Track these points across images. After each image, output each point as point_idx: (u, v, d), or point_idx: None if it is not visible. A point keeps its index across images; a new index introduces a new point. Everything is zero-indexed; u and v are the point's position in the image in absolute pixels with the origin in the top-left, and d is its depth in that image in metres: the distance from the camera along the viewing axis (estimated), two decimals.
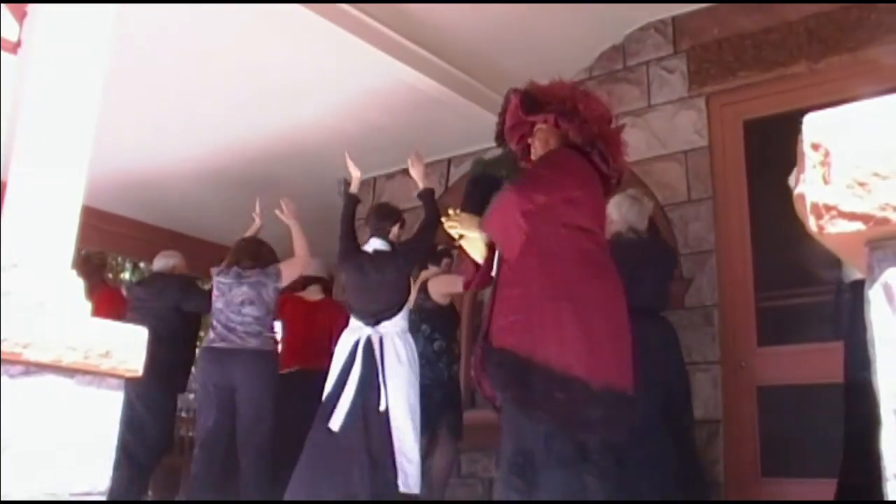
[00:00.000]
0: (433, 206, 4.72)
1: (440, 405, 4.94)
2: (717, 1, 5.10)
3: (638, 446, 3.36)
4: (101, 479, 1.62)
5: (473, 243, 3.34)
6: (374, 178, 7.11)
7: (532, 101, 3.37)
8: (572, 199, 3.16)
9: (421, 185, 4.79)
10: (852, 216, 0.82)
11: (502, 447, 3.11)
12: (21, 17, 1.84)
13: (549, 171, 3.26)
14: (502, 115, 3.53)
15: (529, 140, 3.47)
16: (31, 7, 1.84)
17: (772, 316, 4.72)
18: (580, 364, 2.93)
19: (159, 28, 4.77)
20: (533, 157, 3.46)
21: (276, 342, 5.32)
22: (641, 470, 3.55)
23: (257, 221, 5.51)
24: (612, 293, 3.15)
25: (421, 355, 4.77)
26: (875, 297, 0.83)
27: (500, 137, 3.63)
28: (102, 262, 6.89)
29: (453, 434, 5.04)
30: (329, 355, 4.67)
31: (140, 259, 10.58)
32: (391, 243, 4.74)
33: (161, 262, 6.06)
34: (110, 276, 6.97)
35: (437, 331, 5.16)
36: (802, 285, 4.49)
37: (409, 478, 4.23)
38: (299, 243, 5.35)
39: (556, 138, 3.38)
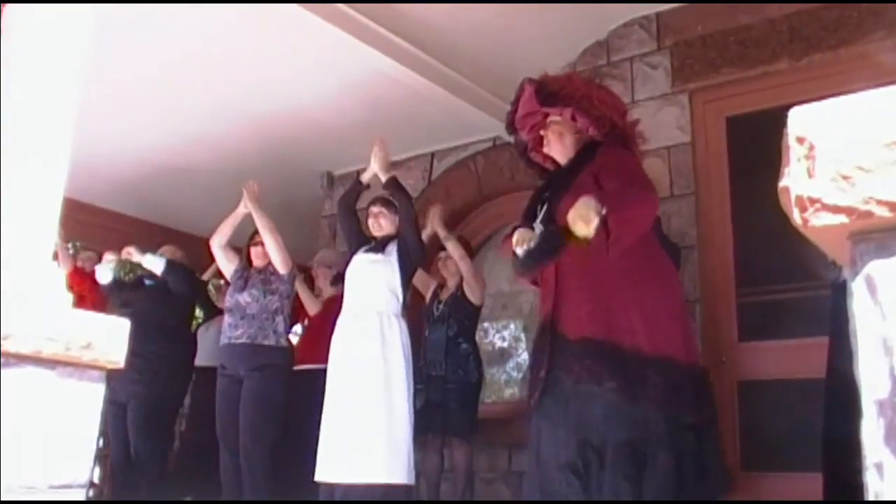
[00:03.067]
0: (406, 193, 4.68)
1: (461, 405, 4.98)
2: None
3: None
4: (81, 472, 1.62)
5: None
6: (357, 172, 7.08)
7: (547, 93, 3.38)
8: None
9: (383, 176, 4.67)
10: (836, 209, 0.83)
11: (552, 442, 3.08)
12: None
13: (642, 173, 3.35)
14: (515, 103, 3.52)
15: (542, 132, 3.45)
16: (6, 6, 1.83)
17: (753, 311, 4.74)
18: (670, 345, 3.04)
19: (138, 19, 4.74)
20: (546, 149, 3.45)
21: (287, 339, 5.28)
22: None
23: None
24: (674, 274, 3.32)
25: (445, 356, 4.82)
26: (857, 289, 0.83)
27: (511, 126, 3.64)
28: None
29: (473, 431, 5.09)
30: None
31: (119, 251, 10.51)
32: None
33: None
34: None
35: (463, 333, 5.19)
36: (784, 281, 4.52)
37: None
38: (269, 239, 5.08)
39: (571, 132, 3.43)
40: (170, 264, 5.62)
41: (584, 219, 2.82)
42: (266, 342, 4.97)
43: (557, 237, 3.02)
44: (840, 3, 4.61)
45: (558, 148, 3.45)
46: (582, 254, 3.03)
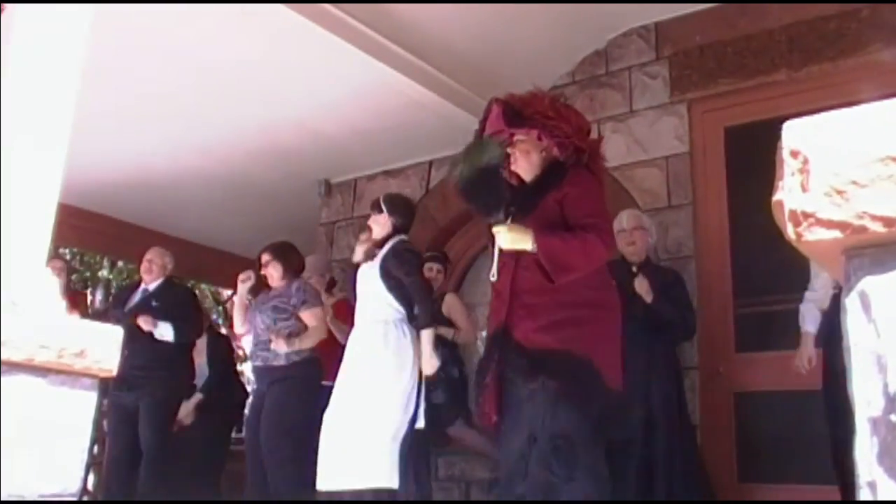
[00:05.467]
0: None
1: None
2: (703, 1, 5.10)
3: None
4: (72, 481, 1.60)
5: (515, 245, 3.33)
6: (355, 180, 7.11)
7: (514, 113, 3.42)
8: None
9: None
10: (830, 224, 0.82)
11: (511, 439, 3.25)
12: None
13: (603, 207, 3.46)
14: (483, 122, 3.56)
15: (509, 149, 3.49)
16: (6, 6, 1.82)
17: (750, 322, 4.74)
18: (612, 369, 3.24)
19: (138, 25, 4.74)
20: (514, 166, 3.50)
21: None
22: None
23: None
24: (617, 301, 3.44)
25: (440, 380, 4.81)
26: (851, 305, 0.83)
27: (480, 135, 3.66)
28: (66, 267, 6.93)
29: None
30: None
31: (117, 257, 10.51)
32: None
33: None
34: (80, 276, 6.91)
35: (456, 359, 5.27)
36: (781, 292, 4.51)
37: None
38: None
39: (537, 150, 3.48)
40: (178, 330, 5.65)
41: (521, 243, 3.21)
42: (276, 363, 4.98)
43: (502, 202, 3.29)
44: (838, 1, 4.60)
45: (524, 166, 3.50)
46: (538, 274, 3.23)
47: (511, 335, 3.29)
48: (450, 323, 5.29)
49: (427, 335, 4.30)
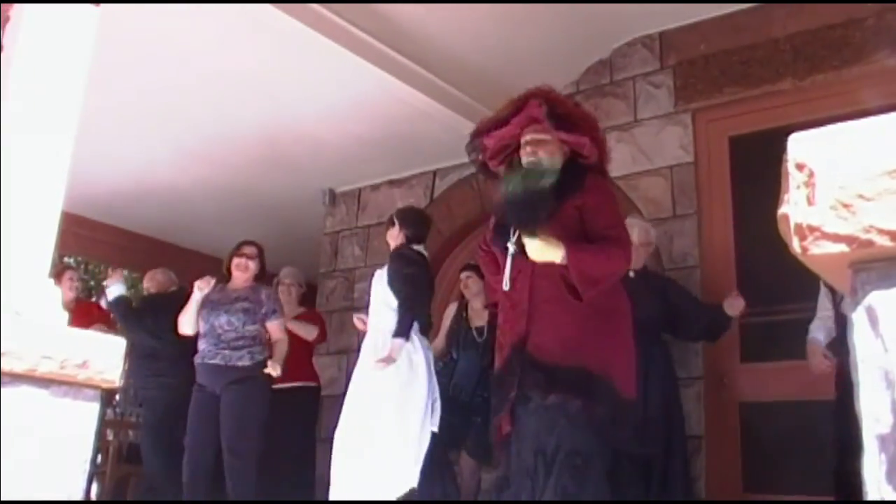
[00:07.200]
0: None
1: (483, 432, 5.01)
2: (714, 1, 5.07)
3: None
4: (74, 492, 1.60)
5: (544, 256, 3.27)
6: (359, 190, 7.11)
7: (559, 115, 3.38)
8: None
9: None
10: (836, 237, 0.81)
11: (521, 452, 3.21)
12: (4, 22, 1.83)
13: (621, 217, 3.54)
14: (514, 110, 3.46)
15: (524, 140, 3.42)
16: (13, 11, 1.82)
17: (755, 332, 4.72)
18: (627, 380, 3.23)
19: (140, 34, 4.75)
20: (532, 156, 3.39)
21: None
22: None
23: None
24: (629, 312, 3.40)
25: (476, 385, 4.86)
26: (858, 320, 0.82)
27: (498, 126, 3.54)
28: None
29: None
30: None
31: (121, 267, 10.51)
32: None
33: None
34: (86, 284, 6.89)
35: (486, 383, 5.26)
36: (786, 302, 4.50)
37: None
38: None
39: (560, 152, 3.41)
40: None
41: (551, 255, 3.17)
42: (240, 363, 4.97)
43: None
44: (848, 1, 4.59)
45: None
46: (557, 283, 3.20)
47: (528, 348, 3.23)
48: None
49: (396, 343, 4.38)
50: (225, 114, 5.86)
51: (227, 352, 4.96)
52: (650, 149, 5.24)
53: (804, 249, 0.83)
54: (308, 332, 5.81)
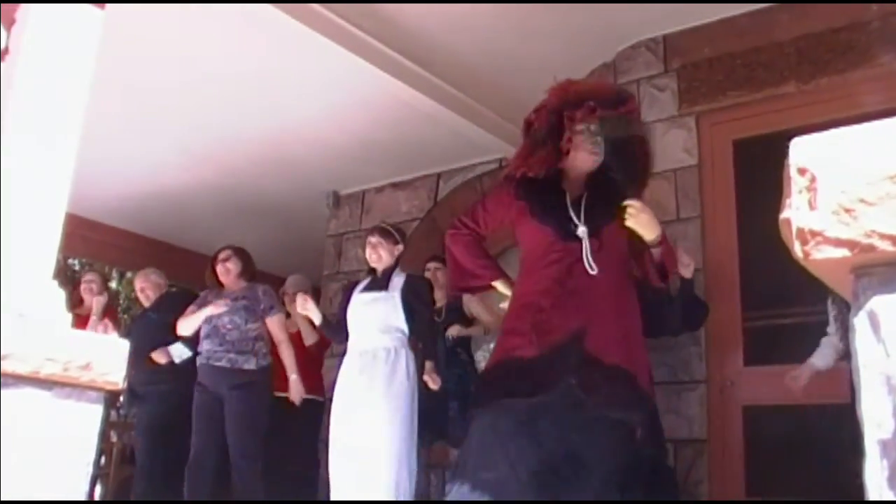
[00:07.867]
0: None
1: (460, 414, 5.00)
2: (721, 1, 5.05)
3: None
4: (77, 494, 1.60)
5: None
6: (363, 192, 7.11)
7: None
8: None
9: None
10: (838, 242, 0.81)
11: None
12: (9, 25, 1.83)
13: None
14: (617, 105, 3.32)
15: (586, 140, 3.28)
16: (19, 13, 1.83)
17: (759, 335, 4.71)
18: (649, 378, 3.22)
19: (144, 36, 4.76)
20: (593, 157, 3.29)
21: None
22: None
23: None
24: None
25: (445, 367, 4.85)
26: (860, 325, 0.82)
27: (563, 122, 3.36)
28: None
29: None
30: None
31: (126, 268, 10.53)
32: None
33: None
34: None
35: (461, 343, 5.27)
36: (790, 305, 4.49)
37: None
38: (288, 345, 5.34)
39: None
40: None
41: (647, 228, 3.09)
42: (246, 366, 5.00)
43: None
44: (852, 1, 4.58)
45: (596, 160, 3.31)
46: (616, 279, 3.14)
47: (588, 345, 3.03)
48: (470, 320, 5.30)
49: (430, 365, 4.53)
50: (230, 116, 5.87)
51: (233, 355, 5.00)
52: (654, 152, 5.22)
53: (806, 254, 0.83)
54: (308, 335, 5.80)
